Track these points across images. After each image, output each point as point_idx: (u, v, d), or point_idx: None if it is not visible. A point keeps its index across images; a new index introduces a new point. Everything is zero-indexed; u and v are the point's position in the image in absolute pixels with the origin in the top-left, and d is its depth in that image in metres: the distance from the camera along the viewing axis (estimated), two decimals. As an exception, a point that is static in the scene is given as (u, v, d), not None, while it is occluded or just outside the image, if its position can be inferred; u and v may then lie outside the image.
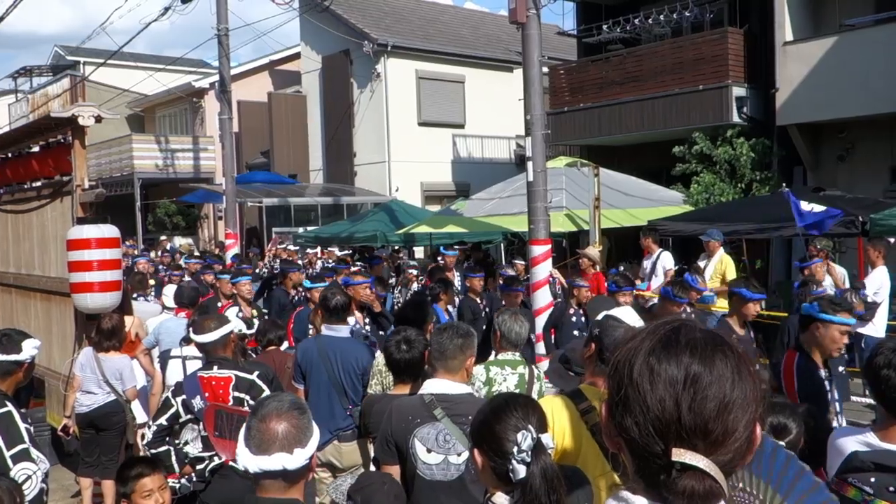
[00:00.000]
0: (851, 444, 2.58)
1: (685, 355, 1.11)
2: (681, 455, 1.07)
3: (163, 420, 4.26)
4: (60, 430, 6.27)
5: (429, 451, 3.13)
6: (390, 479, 3.05)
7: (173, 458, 4.32)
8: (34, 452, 3.42)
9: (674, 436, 1.08)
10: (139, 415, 6.38)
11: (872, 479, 1.99)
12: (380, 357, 4.80)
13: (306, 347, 5.20)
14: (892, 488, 1.96)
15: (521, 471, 1.89)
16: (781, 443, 2.59)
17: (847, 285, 8.69)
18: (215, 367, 4.17)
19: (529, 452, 1.89)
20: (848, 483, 2.02)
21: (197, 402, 4.14)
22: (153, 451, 4.29)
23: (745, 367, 1.12)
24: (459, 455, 3.11)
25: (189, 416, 4.20)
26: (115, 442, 6.00)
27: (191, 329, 4.54)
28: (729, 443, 1.09)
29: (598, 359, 2.66)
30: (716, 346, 1.12)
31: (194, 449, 4.23)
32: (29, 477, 3.29)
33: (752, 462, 1.33)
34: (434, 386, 3.25)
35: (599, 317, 2.89)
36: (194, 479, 4.25)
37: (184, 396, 4.20)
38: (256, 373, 4.20)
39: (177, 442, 4.33)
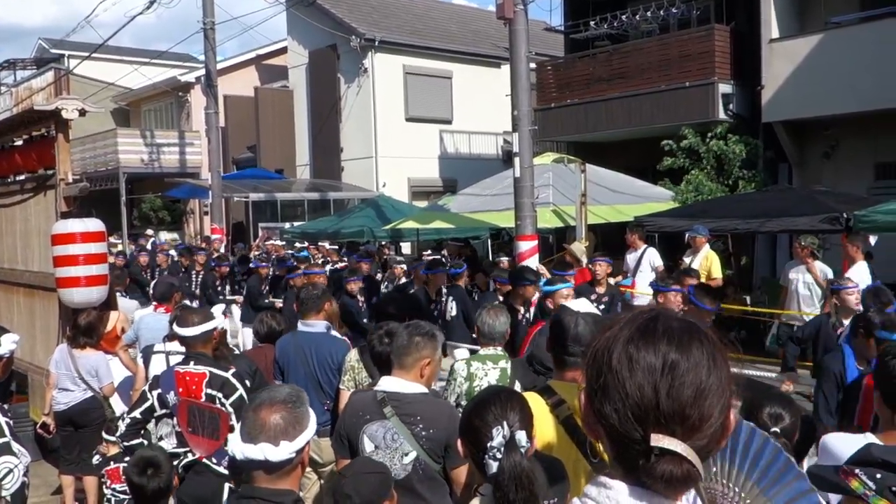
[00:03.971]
0: (849, 446, 2.58)
1: (663, 343, 1.13)
2: (659, 440, 1.09)
3: (137, 413, 4.23)
4: (40, 427, 6.22)
5: (376, 448, 3.11)
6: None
7: None
8: (15, 446, 3.39)
9: (652, 422, 1.10)
10: (119, 410, 6.34)
11: (878, 476, 1.98)
12: (352, 353, 4.76)
13: (284, 344, 5.18)
14: (895, 489, 1.95)
15: (493, 466, 1.90)
16: (776, 429, 2.62)
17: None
18: (192, 363, 4.14)
19: (500, 449, 1.90)
20: (854, 475, 2.01)
21: (171, 398, 4.11)
22: (126, 443, 4.27)
23: (719, 355, 1.15)
24: (406, 455, 3.09)
25: (164, 411, 4.18)
26: (94, 438, 5.95)
27: (174, 321, 4.49)
28: (705, 428, 1.12)
29: (553, 350, 2.70)
30: (692, 334, 1.15)
31: (169, 444, 4.21)
32: (10, 471, 3.27)
33: (737, 455, 1.35)
34: (388, 384, 3.22)
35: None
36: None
37: (160, 390, 4.18)
38: (232, 370, 4.17)
39: (153, 436, 4.30)
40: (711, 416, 1.12)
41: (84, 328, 6.05)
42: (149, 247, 18.52)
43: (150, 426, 4.37)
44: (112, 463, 5.17)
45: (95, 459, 5.46)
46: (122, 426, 4.32)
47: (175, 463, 4.15)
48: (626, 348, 1.14)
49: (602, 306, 7.74)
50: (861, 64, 12.04)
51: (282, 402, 2.23)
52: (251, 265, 12.01)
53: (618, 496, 1.14)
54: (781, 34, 13.54)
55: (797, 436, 2.82)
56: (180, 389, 4.06)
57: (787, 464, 1.37)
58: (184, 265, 12.78)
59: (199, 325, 4.20)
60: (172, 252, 15.18)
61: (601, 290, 8.00)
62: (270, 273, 11.63)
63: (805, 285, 8.73)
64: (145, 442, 4.27)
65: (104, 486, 5.26)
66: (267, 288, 11.01)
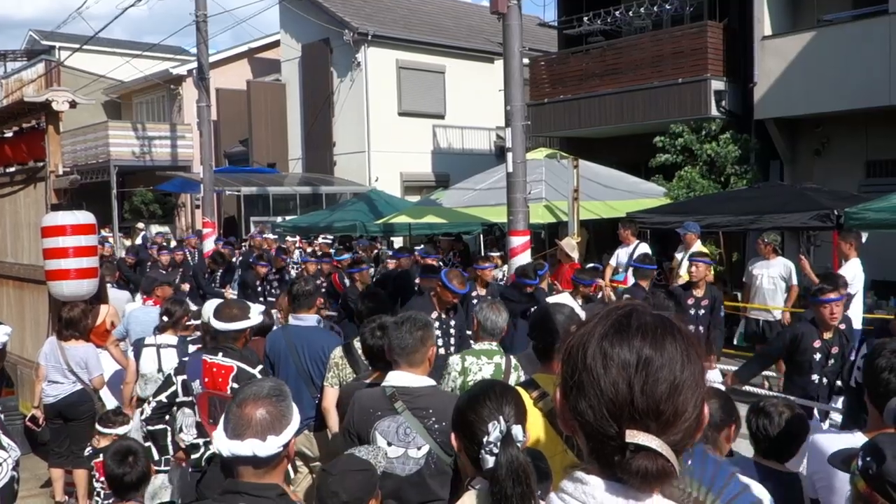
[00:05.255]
0: (837, 446, 2.61)
1: (637, 339, 1.14)
2: (634, 436, 1.10)
3: (163, 397, 4.23)
4: (29, 420, 6.20)
5: (389, 444, 3.11)
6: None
7: (168, 438, 4.29)
8: (5, 440, 3.37)
9: (627, 418, 1.11)
10: (109, 403, 6.32)
11: (867, 459, 2.07)
12: (336, 350, 4.73)
13: (274, 338, 5.16)
14: (871, 471, 2.04)
15: (489, 461, 1.90)
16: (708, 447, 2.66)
17: (794, 278, 8.84)
18: (220, 354, 4.12)
19: (497, 443, 1.89)
20: (857, 455, 2.13)
21: (196, 386, 4.10)
22: (150, 427, 4.27)
23: (693, 350, 1.16)
24: (419, 449, 3.10)
25: (187, 398, 4.17)
26: (84, 431, 5.93)
27: (212, 312, 4.44)
28: (679, 423, 1.12)
29: (538, 342, 2.73)
30: (666, 330, 1.16)
31: (189, 436, 4.20)
32: (-1, 464, 3.25)
33: (689, 466, 1.37)
34: (396, 378, 3.22)
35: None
36: (190, 468, 4.21)
37: (185, 376, 4.16)
38: (259, 367, 4.17)
39: (176, 425, 4.30)
40: (686, 411, 1.12)
41: (69, 321, 6.04)
42: (139, 240, 18.44)
43: (177, 415, 4.35)
44: (101, 455, 5.16)
45: (87, 451, 5.45)
46: (147, 410, 4.33)
47: (195, 456, 4.13)
48: (601, 344, 1.14)
49: (702, 311, 7.10)
50: (853, 61, 12.08)
51: (266, 396, 2.22)
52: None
53: (594, 491, 1.14)
54: (774, 31, 13.57)
55: (733, 428, 2.86)
56: (206, 379, 4.05)
57: (732, 475, 1.42)
58: (210, 266, 11.84)
59: (235, 321, 4.15)
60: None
61: (699, 292, 7.22)
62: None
63: (770, 280, 8.82)
64: (168, 428, 4.27)
65: (94, 480, 5.25)
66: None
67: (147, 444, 4.44)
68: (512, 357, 4.25)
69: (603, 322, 1.17)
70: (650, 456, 1.10)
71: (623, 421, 1.11)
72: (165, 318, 5.93)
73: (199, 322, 6.09)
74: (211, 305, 5.58)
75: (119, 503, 3.55)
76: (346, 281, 9.97)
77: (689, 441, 1.15)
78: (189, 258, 13.09)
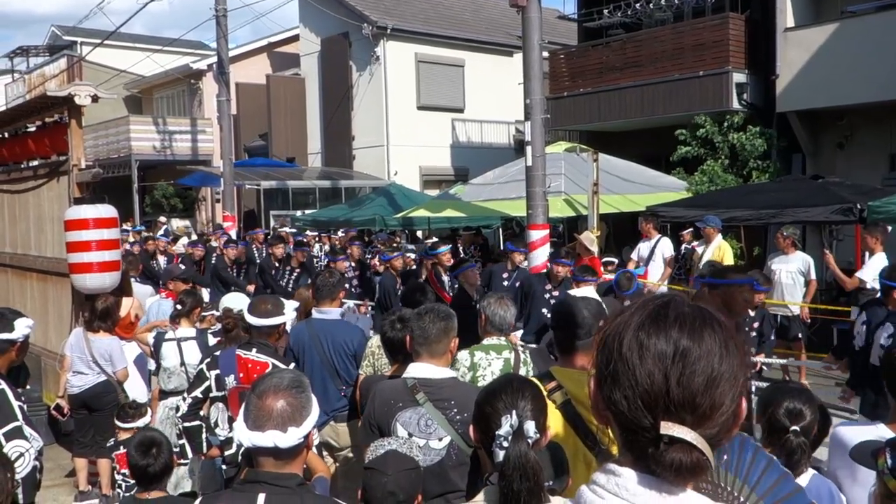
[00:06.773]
0: (860, 438, 2.58)
1: (674, 330, 1.11)
2: (669, 428, 1.08)
3: (197, 392, 4.26)
4: (53, 409, 6.28)
5: (410, 435, 3.11)
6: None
7: (203, 434, 4.32)
8: (27, 430, 3.42)
9: (662, 409, 1.09)
10: (137, 393, 6.38)
11: None
12: (374, 339, 4.78)
13: (298, 331, 5.19)
14: None
15: (499, 455, 1.89)
16: (795, 427, 2.59)
17: (812, 273, 8.75)
18: (254, 350, 4.14)
19: (507, 438, 1.89)
20: (884, 453, 2.05)
21: (230, 381, 4.13)
22: (186, 424, 4.30)
23: (732, 342, 1.13)
24: (441, 440, 3.10)
25: (219, 393, 4.19)
26: (108, 422, 6.00)
27: (246, 306, 4.46)
28: (716, 416, 1.10)
29: (559, 336, 2.72)
30: (704, 321, 1.13)
31: (222, 432, 4.23)
32: (21, 454, 3.29)
33: (724, 459, 1.34)
34: (417, 370, 3.22)
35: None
36: (225, 466, 4.23)
37: (218, 371, 4.19)
38: (293, 365, 4.18)
39: (211, 422, 4.33)
40: (723, 404, 1.10)
41: (101, 312, 6.11)
42: (161, 233, 18.58)
43: (210, 411, 4.37)
44: (122, 447, 5.21)
45: (109, 443, 5.52)
46: (183, 406, 4.36)
47: (230, 451, 4.14)
48: (637, 335, 1.12)
49: None
50: (876, 53, 11.93)
51: (286, 388, 2.22)
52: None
53: (626, 483, 1.13)
54: (797, 23, 13.42)
55: (816, 429, 2.79)
56: (241, 375, 4.07)
57: (770, 464, 1.37)
58: (276, 258, 11.20)
59: (269, 316, 4.16)
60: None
61: None
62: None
63: (788, 275, 8.74)
64: (203, 425, 4.29)
65: (115, 472, 5.31)
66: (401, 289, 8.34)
67: (181, 441, 4.46)
68: (521, 352, 4.24)
69: (640, 312, 1.15)
70: (685, 449, 1.08)
71: (658, 412, 1.09)
72: (179, 307, 6.03)
73: (216, 313, 6.15)
74: (230, 299, 5.63)
75: (142, 494, 3.59)
76: (445, 278, 8.76)
77: (726, 435, 1.13)
78: (256, 255, 12.33)
